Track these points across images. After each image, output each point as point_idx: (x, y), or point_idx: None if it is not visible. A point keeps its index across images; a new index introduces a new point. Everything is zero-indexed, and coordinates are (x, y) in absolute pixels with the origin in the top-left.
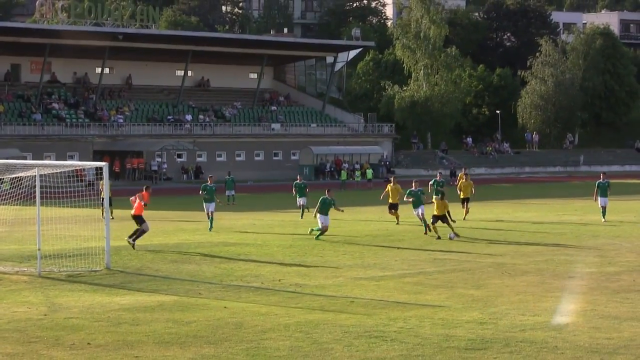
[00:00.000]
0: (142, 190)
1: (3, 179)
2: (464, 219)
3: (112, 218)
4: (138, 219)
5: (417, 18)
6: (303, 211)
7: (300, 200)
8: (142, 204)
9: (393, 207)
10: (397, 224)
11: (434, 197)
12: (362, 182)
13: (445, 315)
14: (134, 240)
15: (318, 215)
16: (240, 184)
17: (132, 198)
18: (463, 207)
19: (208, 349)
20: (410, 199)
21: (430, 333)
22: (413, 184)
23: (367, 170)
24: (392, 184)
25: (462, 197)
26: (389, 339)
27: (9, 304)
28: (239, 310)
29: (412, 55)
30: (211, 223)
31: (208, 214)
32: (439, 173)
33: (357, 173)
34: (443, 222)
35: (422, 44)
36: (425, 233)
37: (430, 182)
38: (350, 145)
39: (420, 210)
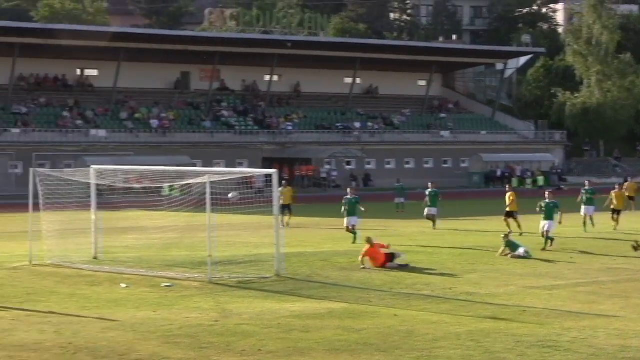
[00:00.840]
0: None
1: (173, 185)
2: (615, 229)
3: (283, 226)
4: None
5: (589, 24)
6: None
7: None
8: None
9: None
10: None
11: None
12: (534, 190)
13: (621, 325)
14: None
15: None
16: (409, 192)
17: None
18: (613, 218)
19: (379, 356)
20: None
21: (605, 344)
22: (546, 194)
23: (539, 178)
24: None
25: (613, 207)
26: (562, 349)
27: (181, 309)
28: (409, 318)
29: (583, 61)
30: (355, 236)
31: (348, 228)
32: (587, 181)
33: (529, 180)
34: None
35: (594, 50)
36: (544, 249)
37: (582, 191)
38: (521, 153)
39: (547, 226)
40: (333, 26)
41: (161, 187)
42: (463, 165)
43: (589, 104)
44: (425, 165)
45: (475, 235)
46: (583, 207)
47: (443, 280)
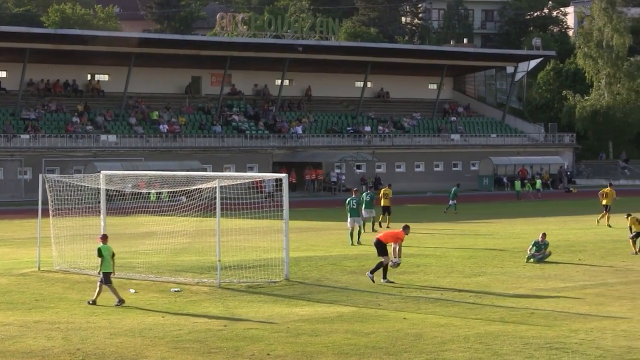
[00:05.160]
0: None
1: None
2: None
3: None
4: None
5: (600, 27)
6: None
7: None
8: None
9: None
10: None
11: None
12: (533, 193)
13: (628, 327)
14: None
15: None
16: (419, 195)
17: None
18: None
19: None
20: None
21: (612, 345)
22: None
23: (536, 181)
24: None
25: None
26: (570, 350)
27: (190, 314)
28: (418, 321)
29: (593, 64)
30: (351, 238)
31: (352, 228)
32: None
33: (527, 183)
34: None
35: (605, 53)
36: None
37: None
38: (531, 156)
39: None
40: (344, 30)
41: (173, 192)
42: (473, 168)
43: (599, 106)
44: (436, 169)
45: (485, 237)
46: None
47: (452, 283)
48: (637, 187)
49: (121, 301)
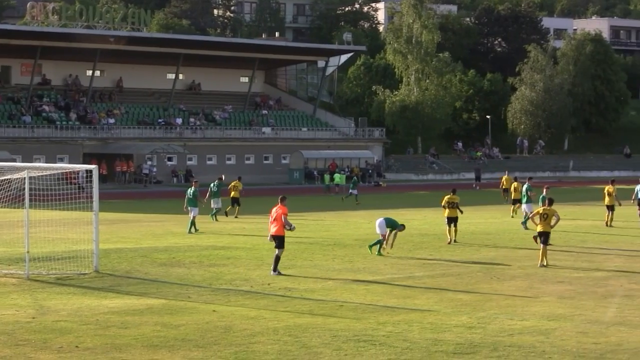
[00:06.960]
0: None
1: None
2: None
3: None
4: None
5: (409, 23)
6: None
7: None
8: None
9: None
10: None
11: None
12: (332, 187)
13: (434, 319)
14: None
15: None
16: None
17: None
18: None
19: (197, 352)
20: None
21: (419, 337)
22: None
23: (336, 175)
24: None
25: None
26: (377, 343)
27: None
28: (227, 314)
29: (403, 60)
30: (191, 227)
31: (192, 218)
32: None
33: (335, 176)
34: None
35: (414, 49)
36: None
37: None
38: (341, 150)
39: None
40: (156, 22)
41: None
42: (284, 161)
43: (408, 101)
44: (247, 162)
45: (295, 230)
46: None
47: (262, 275)
48: (445, 182)
49: None
